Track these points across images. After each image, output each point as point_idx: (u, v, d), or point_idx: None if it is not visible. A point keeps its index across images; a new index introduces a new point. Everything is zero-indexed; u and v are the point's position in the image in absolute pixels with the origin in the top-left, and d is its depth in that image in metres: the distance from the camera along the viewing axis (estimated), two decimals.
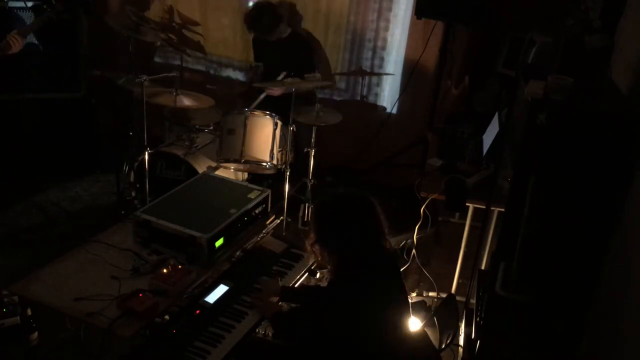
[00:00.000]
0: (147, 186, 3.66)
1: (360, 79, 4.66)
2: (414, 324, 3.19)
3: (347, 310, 2.09)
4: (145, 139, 3.64)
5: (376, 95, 4.85)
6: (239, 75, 5.03)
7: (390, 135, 4.76)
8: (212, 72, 5.12)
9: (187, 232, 2.58)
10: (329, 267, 2.44)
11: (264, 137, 3.64)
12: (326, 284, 2.56)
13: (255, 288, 2.62)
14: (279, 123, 3.69)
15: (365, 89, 4.70)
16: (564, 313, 2.29)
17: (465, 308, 3.10)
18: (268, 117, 3.68)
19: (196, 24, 4.95)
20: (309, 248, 2.37)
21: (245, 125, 3.60)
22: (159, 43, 4.17)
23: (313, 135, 3.99)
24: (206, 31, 4.97)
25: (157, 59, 5.19)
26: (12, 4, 4.28)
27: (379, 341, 2.11)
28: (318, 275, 2.95)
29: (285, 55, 4.31)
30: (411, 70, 4.60)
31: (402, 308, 2.26)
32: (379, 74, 4.70)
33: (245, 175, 4.00)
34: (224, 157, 3.65)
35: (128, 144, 4.11)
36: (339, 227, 2.22)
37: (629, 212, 2.07)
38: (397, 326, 2.21)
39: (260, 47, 4.50)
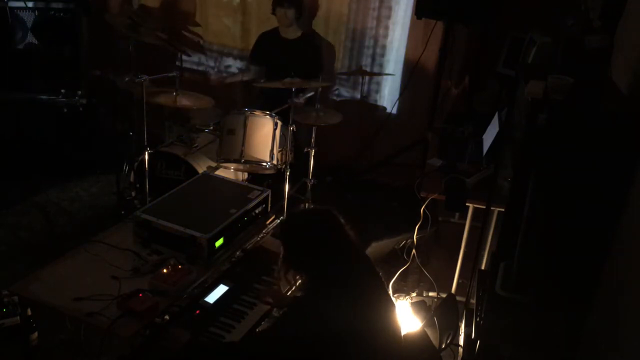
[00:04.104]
0: (147, 186, 3.66)
1: (360, 79, 4.66)
2: (414, 324, 3.19)
3: (322, 323, 2.04)
4: (145, 139, 3.64)
5: (376, 95, 4.85)
6: (238, 64, 5.04)
7: (390, 135, 4.76)
8: (212, 72, 5.12)
9: (187, 232, 2.58)
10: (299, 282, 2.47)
11: (264, 137, 3.64)
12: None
13: (255, 288, 2.62)
14: (279, 123, 3.69)
15: (365, 89, 4.70)
16: (564, 313, 2.29)
17: (465, 308, 3.10)
18: (268, 117, 3.68)
19: (196, 24, 4.96)
20: (279, 267, 2.39)
21: (245, 125, 3.60)
22: (159, 43, 4.19)
23: (313, 135, 3.99)
24: (205, 19, 4.98)
25: (157, 59, 5.19)
26: (12, 4, 4.28)
27: (367, 345, 2.09)
28: None
29: (292, 56, 4.32)
30: (411, 70, 4.60)
31: (385, 309, 2.24)
32: (379, 74, 4.71)
33: (245, 175, 4.00)
34: (224, 157, 3.65)
35: (128, 144, 4.11)
36: (304, 246, 2.21)
37: (629, 212, 2.07)
38: (386, 327, 2.20)
39: (268, 45, 4.51)
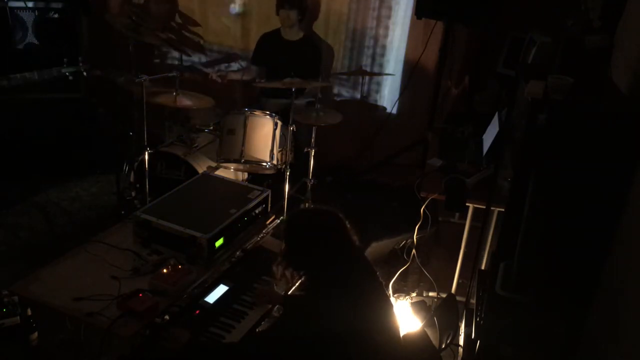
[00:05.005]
0: (147, 186, 3.66)
1: (360, 79, 4.66)
2: (414, 324, 3.19)
3: (322, 323, 2.05)
4: (145, 139, 3.64)
5: (376, 95, 4.85)
6: (239, 64, 5.04)
7: (390, 135, 4.76)
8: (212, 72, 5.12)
9: (187, 232, 2.58)
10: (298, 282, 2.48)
11: (264, 137, 3.65)
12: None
13: (255, 288, 2.62)
14: (279, 123, 3.69)
15: (365, 89, 4.70)
16: (564, 313, 2.29)
17: (465, 308, 3.10)
18: (268, 117, 3.68)
19: (196, 24, 4.96)
20: (276, 264, 2.40)
21: (245, 125, 3.60)
22: (159, 43, 4.20)
23: (313, 135, 3.99)
24: (205, 19, 4.98)
25: (157, 59, 5.20)
26: (12, 4, 4.28)
27: (367, 344, 2.10)
28: None
29: (293, 58, 4.32)
30: (411, 71, 4.60)
31: (385, 309, 2.25)
32: (379, 74, 4.71)
33: (245, 175, 4.00)
34: (224, 157, 3.65)
35: (128, 144, 4.11)
36: (305, 245, 2.23)
37: (629, 212, 2.07)
38: (385, 327, 2.21)
39: (268, 46, 4.51)
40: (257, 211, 2.96)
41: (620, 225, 2.11)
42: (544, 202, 2.11)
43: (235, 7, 4.91)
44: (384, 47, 4.68)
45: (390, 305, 2.31)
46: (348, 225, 2.27)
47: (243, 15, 4.89)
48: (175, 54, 5.07)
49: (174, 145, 3.87)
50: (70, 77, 3.69)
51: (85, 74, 3.70)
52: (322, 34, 4.70)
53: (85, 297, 2.30)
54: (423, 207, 3.30)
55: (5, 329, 2.52)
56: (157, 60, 5.18)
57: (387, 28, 4.63)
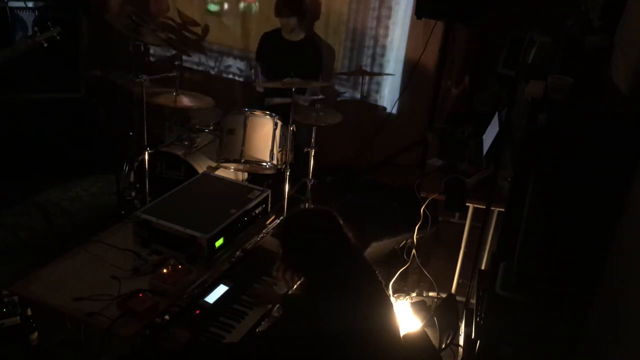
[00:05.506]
0: (147, 186, 3.66)
1: (360, 79, 4.66)
2: (414, 324, 3.19)
3: (322, 323, 2.05)
4: (145, 139, 3.64)
5: (376, 95, 4.85)
6: (239, 65, 5.04)
7: (390, 135, 4.76)
8: (212, 72, 5.13)
9: (187, 232, 2.58)
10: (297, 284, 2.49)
11: (264, 137, 3.65)
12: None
13: (255, 289, 2.62)
14: (279, 123, 3.69)
15: (365, 89, 4.70)
16: (564, 313, 2.29)
17: (465, 308, 3.10)
18: (268, 117, 3.68)
19: (196, 24, 4.95)
20: (276, 268, 2.40)
21: (245, 125, 3.60)
22: (159, 43, 4.20)
23: (313, 135, 3.99)
24: (205, 19, 4.98)
25: (156, 59, 5.20)
26: (12, 4, 4.28)
27: (367, 345, 2.10)
28: None
29: (293, 58, 4.32)
30: (411, 71, 4.60)
31: (384, 309, 2.25)
32: (379, 74, 4.71)
33: (245, 175, 4.00)
34: (224, 157, 3.65)
35: (128, 144, 4.12)
36: (302, 246, 2.23)
37: (629, 212, 2.07)
38: (385, 327, 2.21)
39: (269, 46, 4.51)
40: (257, 211, 2.96)
41: (620, 225, 2.11)
42: (544, 202, 2.11)
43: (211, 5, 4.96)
44: (384, 47, 4.68)
45: (390, 305, 2.31)
46: (343, 225, 2.27)
47: (243, 15, 4.89)
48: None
49: (174, 145, 3.87)
50: (46, 45, 3.61)
51: (58, 37, 3.62)
52: (322, 34, 4.70)
53: (85, 297, 2.30)
54: (423, 207, 3.30)
55: (5, 329, 2.53)
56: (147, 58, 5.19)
57: (387, 28, 4.63)
